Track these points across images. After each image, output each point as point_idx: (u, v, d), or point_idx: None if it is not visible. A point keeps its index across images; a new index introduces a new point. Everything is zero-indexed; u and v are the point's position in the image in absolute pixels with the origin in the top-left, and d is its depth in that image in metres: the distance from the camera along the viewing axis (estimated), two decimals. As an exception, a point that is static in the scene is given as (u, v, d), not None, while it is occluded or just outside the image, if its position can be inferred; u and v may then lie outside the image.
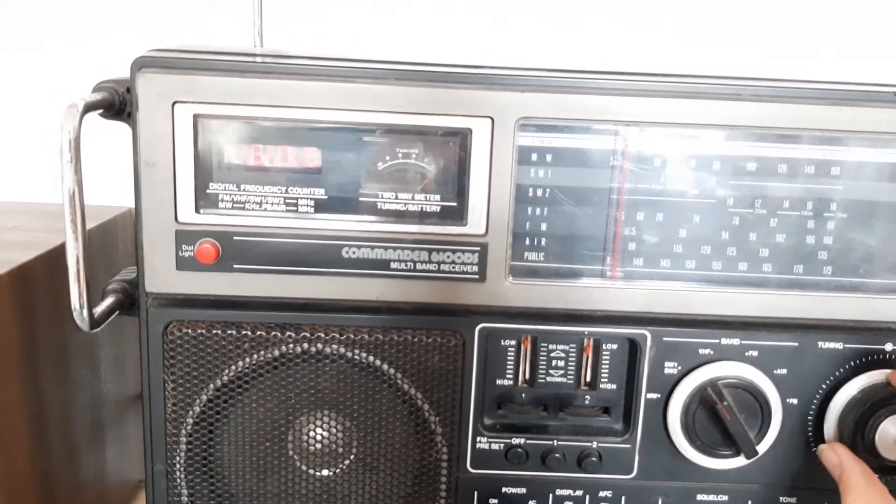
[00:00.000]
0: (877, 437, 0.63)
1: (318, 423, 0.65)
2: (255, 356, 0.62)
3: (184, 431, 0.64)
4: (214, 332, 0.62)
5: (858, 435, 0.63)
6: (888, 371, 0.64)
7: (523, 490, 0.67)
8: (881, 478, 0.61)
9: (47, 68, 1.05)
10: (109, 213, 0.83)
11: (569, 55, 1.06)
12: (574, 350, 0.65)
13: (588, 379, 0.66)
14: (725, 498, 0.67)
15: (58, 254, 0.68)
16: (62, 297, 0.60)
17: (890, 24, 1.05)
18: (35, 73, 1.05)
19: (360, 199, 0.62)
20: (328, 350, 0.62)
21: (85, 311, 0.59)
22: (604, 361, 0.66)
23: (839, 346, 0.65)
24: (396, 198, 0.62)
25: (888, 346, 0.65)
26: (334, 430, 0.65)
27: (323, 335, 0.62)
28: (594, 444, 0.66)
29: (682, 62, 1.05)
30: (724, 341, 0.64)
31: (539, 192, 0.62)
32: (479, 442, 0.66)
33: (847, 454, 0.61)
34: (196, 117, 0.59)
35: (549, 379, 0.66)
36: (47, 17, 1.06)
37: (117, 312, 0.63)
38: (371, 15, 1.05)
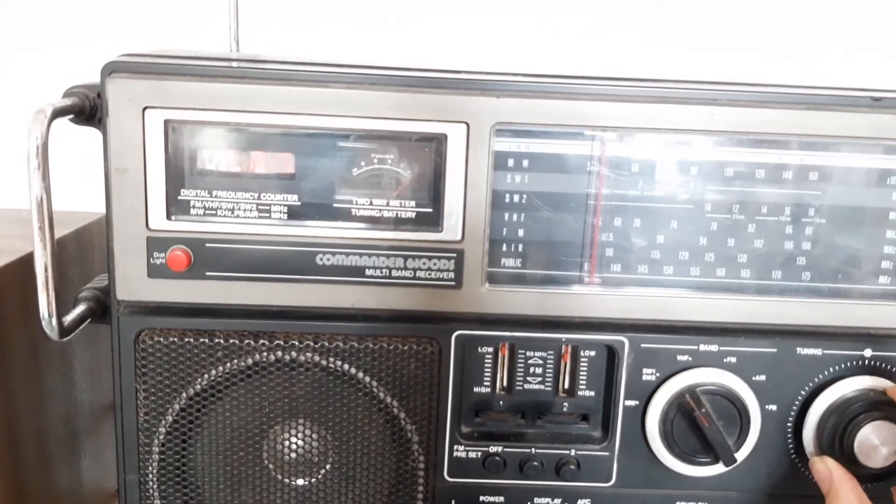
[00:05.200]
0: (855, 444, 0.62)
1: (294, 432, 0.64)
2: (229, 365, 0.62)
3: (156, 441, 0.63)
4: (187, 340, 0.61)
5: (837, 441, 0.63)
6: (871, 378, 0.64)
7: (501, 499, 0.66)
8: (860, 485, 0.60)
9: (23, 73, 1.04)
10: (85, 220, 0.82)
11: (558, 61, 1.06)
12: (552, 357, 0.65)
13: (566, 386, 0.66)
14: (705, 505, 0.67)
15: (29, 261, 0.67)
16: (34, 304, 0.59)
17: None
18: (10, 76, 1.04)
19: (335, 205, 0.61)
20: (302, 358, 0.62)
21: (54, 320, 0.59)
22: (582, 368, 0.65)
23: (818, 352, 0.64)
24: (371, 204, 0.61)
25: (867, 352, 0.64)
26: (309, 440, 0.64)
27: (297, 343, 0.62)
28: (572, 452, 0.66)
29: (677, 69, 1.06)
30: (703, 348, 0.64)
31: (516, 198, 0.62)
32: (457, 450, 0.65)
33: (838, 469, 0.61)
34: (167, 123, 0.58)
35: (526, 386, 0.65)
36: (21, 23, 1.05)
37: (89, 320, 0.62)
38: (357, 29, 1.05)
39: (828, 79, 0.66)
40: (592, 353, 0.65)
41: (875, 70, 1.07)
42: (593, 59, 1.07)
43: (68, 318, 0.60)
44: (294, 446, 0.64)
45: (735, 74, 0.99)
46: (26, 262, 0.69)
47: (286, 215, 0.61)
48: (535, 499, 0.66)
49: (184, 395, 0.62)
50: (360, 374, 0.62)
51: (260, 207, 0.61)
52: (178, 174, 0.60)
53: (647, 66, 1.06)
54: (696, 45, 1.06)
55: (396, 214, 0.61)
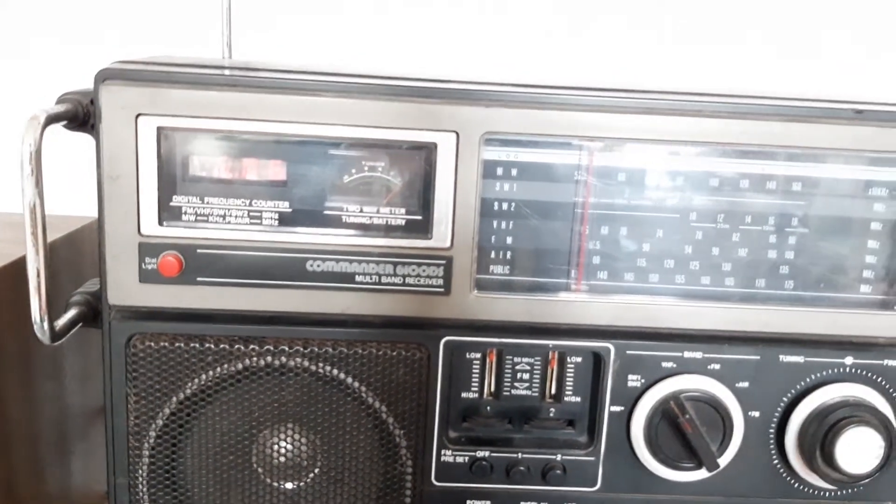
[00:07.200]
0: (836, 450, 0.63)
1: (283, 436, 0.65)
2: (219, 369, 0.62)
3: (146, 445, 0.63)
4: (177, 345, 0.62)
5: (818, 447, 0.64)
6: (852, 385, 0.65)
7: (488, 503, 0.67)
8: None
9: (17, 78, 1.04)
10: (76, 224, 0.82)
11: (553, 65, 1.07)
12: (539, 363, 0.66)
13: (553, 392, 0.66)
14: (689, 510, 0.68)
15: (22, 265, 0.68)
16: (26, 308, 0.60)
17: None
18: (3, 82, 1.05)
19: (325, 212, 0.62)
20: (292, 363, 0.62)
21: (46, 325, 0.59)
22: (568, 374, 0.66)
23: (800, 359, 0.65)
24: (361, 211, 0.62)
25: (848, 360, 0.65)
26: (298, 444, 0.65)
27: (287, 348, 0.62)
28: (558, 457, 0.66)
29: (674, 64, 1.06)
30: (687, 355, 0.65)
31: (504, 206, 0.63)
32: (444, 455, 0.66)
33: None
34: (160, 130, 0.59)
35: (514, 392, 0.66)
36: (15, 28, 1.05)
37: (80, 325, 0.63)
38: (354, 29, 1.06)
39: (812, 89, 0.67)
40: (579, 360, 0.66)
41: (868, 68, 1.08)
42: (582, 58, 1.07)
43: (60, 323, 0.61)
44: (283, 450, 0.65)
45: (736, 72, 1.00)
46: (18, 266, 0.70)
47: (277, 222, 0.61)
48: (522, 503, 0.67)
49: (174, 399, 0.63)
50: (349, 380, 0.63)
51: (251, 214, 0.61)
52: (171, 180, 0.60)
53: (650, 68, 1.07)
54: (698, 40, 1.07)
55: (386, 222, 0.62)
